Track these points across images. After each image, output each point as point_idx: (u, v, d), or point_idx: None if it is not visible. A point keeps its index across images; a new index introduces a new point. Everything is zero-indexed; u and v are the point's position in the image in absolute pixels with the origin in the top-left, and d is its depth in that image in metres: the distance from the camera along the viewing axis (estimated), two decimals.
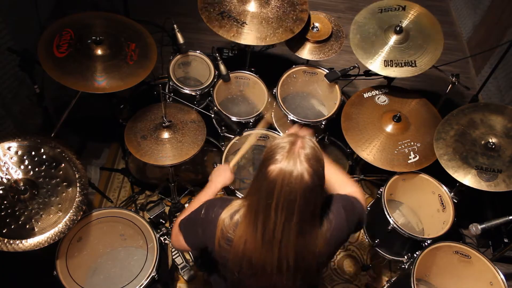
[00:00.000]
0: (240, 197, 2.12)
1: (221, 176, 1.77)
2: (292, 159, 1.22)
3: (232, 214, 1.38)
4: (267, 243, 1.31)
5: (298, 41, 2.62)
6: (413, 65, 2.39)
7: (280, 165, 1.21)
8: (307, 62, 2.75)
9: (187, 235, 1.52)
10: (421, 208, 2.52)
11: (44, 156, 1.96)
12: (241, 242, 1.34)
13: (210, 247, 1.43)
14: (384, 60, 2.41)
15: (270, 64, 2.71)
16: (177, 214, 2.60)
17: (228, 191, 2.35)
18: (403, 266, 2.25)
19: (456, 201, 2.28)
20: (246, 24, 2.45)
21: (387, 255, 2.40)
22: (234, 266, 1.40)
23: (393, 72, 2.39)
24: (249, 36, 2.43)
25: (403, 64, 2.39)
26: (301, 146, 1.24)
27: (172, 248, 2.44)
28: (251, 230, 1.32)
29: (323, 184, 1.29)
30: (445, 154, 2.17)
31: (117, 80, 2.09)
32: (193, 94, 2.53)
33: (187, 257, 2.42)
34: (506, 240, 2.53)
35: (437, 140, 2.22)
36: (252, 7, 2.51)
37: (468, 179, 2.09)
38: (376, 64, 2.41)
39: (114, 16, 2.32)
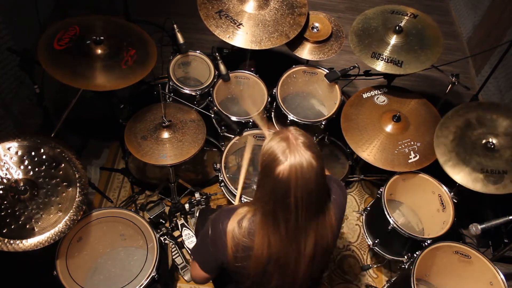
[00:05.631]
0: (244, 202, 2.10)
1: None
2: (295, 152, 1.22)
3: (240, 221, 1.37)
4: (291, 238, 1.32)
5: (298, 41, 2.62)
6: (399, 65, 2.38)
7: (288, 162, 1.22)
8: (307, 62, 2.75)
9: (202, 261, 1.48)
10: (421, 208, 2.52)
11: (44, 156, 1.96)
12: (264, 246, 1.34)
13: (224, 259, 1.40)
14: (373, 52, 2.41)
15: (270, 64, 2.70)
16: (177, 214, 2.60)
17: (227, 191, 2.36)
18: (403, 266, 2.24)
19: (456, 201, 2.28)
20: (242, 25, 2.45)
21: (387, 255, 2.40)
22: (257, 270, 1.39)
23: (377, 65, 2.39)
24: (243, 39, 2.44)
25: (389, 60, 2.39)
26: (295, 137, 1.26)
27: (172, 248, 2.44)
28: (272, 232, 1.32)
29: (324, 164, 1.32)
30: (449, 160, 2.16)
31: (107, 81, 2.08)
32: (193, 94, 2.53)
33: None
34: (506, 240, 2.52)
35: (438, 146, 2.21)
36: (250, 7, 2.51)
37: (474, 183, 2.08)
38: (364, 53, 2.42)
39: (124, 22, 2.33)
